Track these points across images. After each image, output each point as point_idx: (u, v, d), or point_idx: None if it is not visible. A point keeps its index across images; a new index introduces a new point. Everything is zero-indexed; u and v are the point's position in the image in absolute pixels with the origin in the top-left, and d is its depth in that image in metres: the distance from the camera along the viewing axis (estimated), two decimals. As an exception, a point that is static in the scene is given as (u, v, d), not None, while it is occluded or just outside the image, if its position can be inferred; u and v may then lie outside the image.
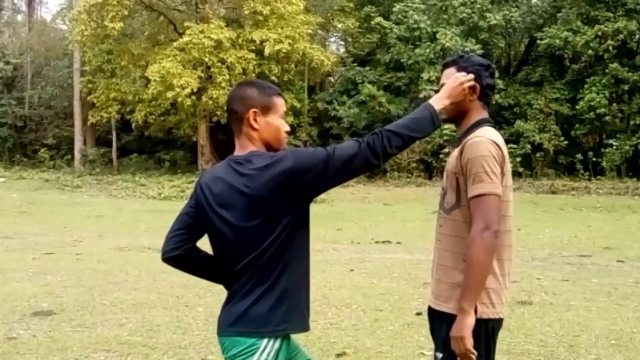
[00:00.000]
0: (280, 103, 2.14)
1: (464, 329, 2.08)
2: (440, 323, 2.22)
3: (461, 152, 2.17)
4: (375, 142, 2.01)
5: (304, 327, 2.12)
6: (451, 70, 2.31)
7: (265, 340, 1.99)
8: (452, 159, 2.25)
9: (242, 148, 2.10)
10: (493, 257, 2.11)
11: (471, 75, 2.23)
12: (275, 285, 2.01)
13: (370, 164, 2.03)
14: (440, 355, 2.19)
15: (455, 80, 2.21)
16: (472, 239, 2.08)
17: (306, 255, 2.13)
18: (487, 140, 2.15)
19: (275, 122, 2.11)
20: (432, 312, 2.31)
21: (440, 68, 2.40)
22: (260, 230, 1.99)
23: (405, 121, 2.10)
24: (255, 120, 2.07)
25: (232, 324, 2.03)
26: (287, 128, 2.16)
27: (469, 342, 2.07)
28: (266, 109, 2.09)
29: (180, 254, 2.18)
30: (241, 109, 2.09)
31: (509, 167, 2.20)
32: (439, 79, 2.41)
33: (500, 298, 2.19)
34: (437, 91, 2.40)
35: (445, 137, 20.82)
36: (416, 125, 2.09)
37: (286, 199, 1.98)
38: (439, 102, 2.16)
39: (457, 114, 2.29)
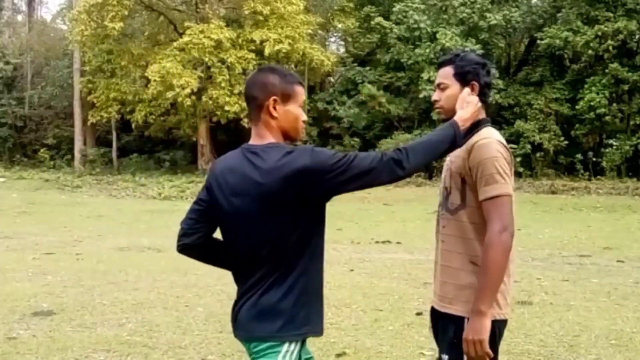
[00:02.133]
0: (300, 92, 2.10)
1: (483, 332, 2.05)
2: (445, 325, 2.20)
3: (468, 154, 2.15)
4: (399, 156, 1.96)
5: (321, 330, 2.07)
6: (447, 69, 2.27)
7: (286, 345, 1.95)
8: (455, 158, 2.22)
9: (259, 137, 2.04)
10: (509, 258, 2.11)
11: (475, 98, 2.20)
12: (296, 282, 1.96)
13: (393, 176, 1.97)
14: (446, 357, 2.18)
15: (473, 103, 2.18)
16: (491, 241, 2.06)
17: (322, 256, 2.07)
18: (495, 141, 2.15)
19: (294, 111, 2.06)
20: (435, 313, 2.29)
21: (437, 67, 2.36)
22: (277, 224, 1.95)
23: (430, 137, 2.07)
24: (274, 108, 2.02)
25: (253, 324, 1.98)
26: (305, 117, 2.12)
27: (487, 345, 2.06)
28: (287, 97, 2.04)
29: (193, 243, 2.14)
30: (261, 95, 2.03)
31: (512, 168, 2.21)
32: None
33: (506, 299, 2.18)
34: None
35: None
36: (440, 141, 2.05)
37: (302, 196, 1.93)
38: (464, 123, 2.11)
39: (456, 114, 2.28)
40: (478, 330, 2.06)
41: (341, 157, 1.94)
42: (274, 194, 1.92)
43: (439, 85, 2.30)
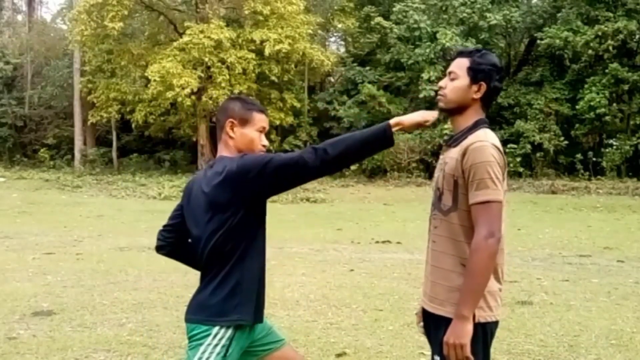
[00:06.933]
0: (259, 118, 2.35)
1: (464, 336, 2.05)
2: (437, 326, 2.20)
3: (462, 156, 2.13)
4: (318, 149, 2.14)
5: (257, 319, 2.31)
6: (464, 60, 2.25)
7: (216, 328, 2.20)
8: (449, 160, 2.21)
9: (219, 152, 2.36)
10: (495, 263, 2.11)
11: (435, 115, 2.28)
12: (229, 277, 2.22)
13: (310, 170, 2.14)
14: (438, 358, 2.17)
15: (424, 114, 2.27)
16: (477, 246, 2.06)
17: (261, 253, 2.32)
18: (490, 145, 2.12)
19: (250, 134, 2.34)
20: (427, 314, 2.29)
21: (454, 55, 2.32)
22: (214, 225, 2.20)
23: (356, 133, 2.20)
24: (232, 129, 2.32)
25: (192, 312, 2.27)
26: (265, 142, 2.37)
27: (469, 349, 2.06)
28: (244, 121, 2.33)
29: (167, 248, 2.50)
30: (222, 118, 2.35)
31: (506, 172, 2.20)
32: (439, 78, 2.38)
33: (497, 300, 2.17)
34: (437, 89, 2.37)
35: (445, 137, 20.81)
36: (366, 137, 2.18)
37: (234, 197, 2.17)
38: (396, 121, 2.24)
39: (456, 107, 2.25)
40: (459, 334, 2.05)
41: (265, 156, 2.19)
42: (212, 199, 2.20)
43: (449, 73, 2.27)
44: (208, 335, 2.20)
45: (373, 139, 2.18)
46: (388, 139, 2.18)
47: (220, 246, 2.20)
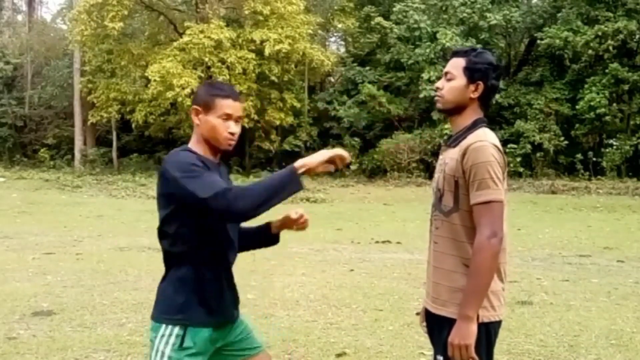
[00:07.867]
0: (222, 104, 2.19)
1: (469, 337, 2.05)
2: (440, 327, 2.20)
3: (463, 156, 2.13)
4: (229, 194, 1.97)
5: (210, 324, 2.17)
6: (459, 60, 2.24)
7: (163, 326, 2.14)
8: (449, 160, 2.20)
9: (190, 139, 2.29)
10: (498, 263, 2.11)
11: (345, 156, 2.13)
12: (173, 275, 2.17)
13: (211, 211, 2.00)
14: (441, 358, 2.17)
15: (326, 153, 2.11)
16: (480, 246, 2.06)
17: (215, 256, 2.19)
18: (490, 144, 2.12)
19: (212, 121, 2.20)
20: (429, 315, 2.29)
21: (450, 55, 2.31)
22: (161, 216, 2.18)
23: (265, 180, 2.09)
24: (196, 116, 2.24)
25: (155, 302, 2.23)
26: (233, 130, 2.21)
27: (473, 350, 2.06)
28: (207, 108, 2.21)
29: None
30: (191, 104, 2.29)
31: (506, 171, 2.20)
32: (439, 78, 2.37)
33: (500, 300, 2.18)
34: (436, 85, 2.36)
35: (445, 137, 20.78)
36: (273, 184, 2.04)
37: (161, 191, 2.15)
38: (302, 162, 2.09)
39: (454, 107, 2.25)
40: (464, 335, 2.06)
41: (184, 169, 2.06)
42: (157, 190, 2.18)
43: (446, 73, 2.27)
44: (158, 330, 2.15)
45: (281, 186, 2.04)
46: (296, 183, 2.05)
47: (160, 239, 2.20)
